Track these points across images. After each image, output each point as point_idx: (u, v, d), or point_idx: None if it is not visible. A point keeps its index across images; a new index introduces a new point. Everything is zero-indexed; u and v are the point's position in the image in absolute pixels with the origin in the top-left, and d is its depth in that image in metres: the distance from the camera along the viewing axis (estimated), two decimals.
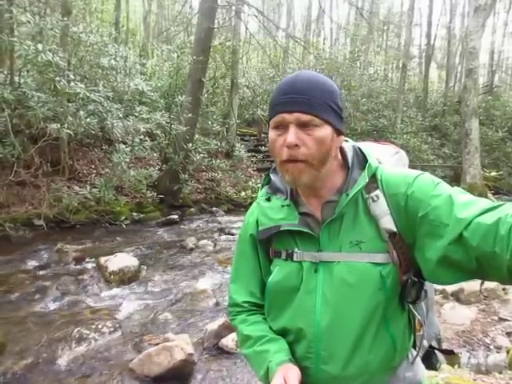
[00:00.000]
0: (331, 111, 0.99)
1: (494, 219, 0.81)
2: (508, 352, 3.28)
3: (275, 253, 1.11)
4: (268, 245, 1.13)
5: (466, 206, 0.88)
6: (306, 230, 1.04)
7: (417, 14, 24.44)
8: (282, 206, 1.10)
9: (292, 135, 0.95)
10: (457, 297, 4.42)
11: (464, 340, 3.65)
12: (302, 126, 0.96)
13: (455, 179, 12.41)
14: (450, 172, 14.74)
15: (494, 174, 11.37)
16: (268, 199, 1.14)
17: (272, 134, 1.01)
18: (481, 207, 0.86)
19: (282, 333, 1.10)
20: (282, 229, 1.06)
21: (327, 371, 1.02)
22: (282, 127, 0.98)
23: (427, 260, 0.93)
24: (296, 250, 1.06)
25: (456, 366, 2.97)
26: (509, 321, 3.93)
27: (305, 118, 0.96)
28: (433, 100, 21.06)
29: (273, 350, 1.05)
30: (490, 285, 4.44)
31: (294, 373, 0.98)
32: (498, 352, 3.45)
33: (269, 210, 1.11)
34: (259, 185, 1.24)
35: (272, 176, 1.18)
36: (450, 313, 4.09)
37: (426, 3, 20.66)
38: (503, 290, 4.56)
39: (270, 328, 1.13)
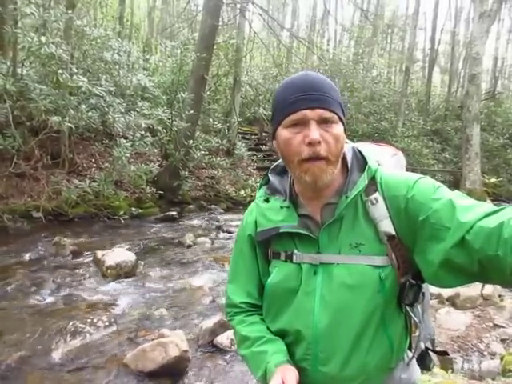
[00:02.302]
0: (341, 110, 1.01)
1: (496, 223, 0.81)
2: (502, 358, 3.29)
3: (274, 254, 1.11)
4: (267, 246, 1.13)
5: (468, 209, 0.88)
6: (305, 232, 1.04)
7: (421, 18, 24.39)
8: (281, 207, 1.09)
9: (315, 131, 0.95)
10: (452, 302, 4.42)
11: (458, 345, 3.66)
12: (321, 122, 0.96)
13: (455, 184, 12.41)
14: (449, 177, 14.74)
15: (493, 180, 11.38)
16: (266, 200, 1.13)
17: (286, 132, 0.99)
18: (483, 211, 0.86)
19: (281, 334, 1.10)
20: (281, 231, 1.06)
21: (325, 372, 1.02)
22: (301, 124, 0.97)
23: (429, 263, 0.93)
24: (295, 251, 1.06)
25: (450, 371, 2.98)
26: (504, 327, 3.94)
27: (327, 114, 0.96)
28: (435, 104, 21.07)
29: (271, 351, 1.05)
30: (485, 291, 4.44)
31: (292, 374, 0.98)
32: (491, 358, 3.46)
33: (268, 212, 1.11)
34: (259, 184, 1.23)
35: (271, 176, 1.17)
36: (445, 318, 4.10)
37: (431, 7, 20.68)
38: (499, 296, 4.57)
39: (268, 329, 1.12)
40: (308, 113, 0.96)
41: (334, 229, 1.03)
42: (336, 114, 0.98)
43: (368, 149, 1.13)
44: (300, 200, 1.09)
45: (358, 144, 1.16)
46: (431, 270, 0.93)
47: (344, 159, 1.08)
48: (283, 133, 1.00)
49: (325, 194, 1.05)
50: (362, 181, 1.02)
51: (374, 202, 1.01)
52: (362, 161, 1.07)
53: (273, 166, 1.19)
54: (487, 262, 0.82)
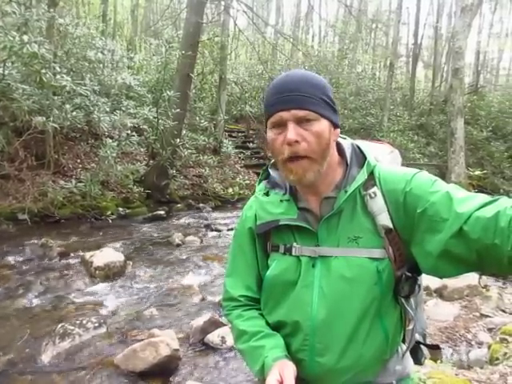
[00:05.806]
0: (326, 105, 1.02)
1: (493, 212, 0.84)
2: (489, 347, 3.35)
3: (273, 247, 1.12)
4: (266, 239, 1.14)
5: (464, 200, 0.91)
6: (304, 225, 1.06)
7: (404, 13, 24.56)
8: (281, 200, 1.11)
9: (292, 132, 0.97)
10: (440, 293, 4.49)
11: (447, 336, 3.71)
12: (300, 121, 0.98)
13: (440, 178, 12.48)
14: (435, 171, 14.84)
15: (478, 172, 11.49)
16: (266, 193, 1.16)
17: (271, 133, 1.03)
18: (479, 202, 0.89)
19: (278, 326, 1.11)
20: (280, 223, 1.08)
21: (322, 363, 1.04)
22: (281, 126, 1.00)
23: (428, 254, 0.95)
24: (295, 244, 1.08)
25: (438, 361, 3.02)
26: (490, 317, 4.01)
27: (301, 113, 0.98)
28: (419, 99, 21.22)
29: (268, 346, 1.06)
30: (471, 282, 4.51)
31: (289, 369, 0.99)
32: (479, 347, 3.52)
33: (268, 205, 1.13)
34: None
35: (270, 171, 1.20)
36: (433, 309, 4.15)
37: (413, 2, 20.76)
38: (485, 287, 4.65)
39: (266, 323, 1.14)
40: (284, 114, 0.99)
41: (332, 222, 1.05)
42: (313, 111, 0.99)
43: (366, 146, 1.15)
44: (300, 194, 1.11)
45: (357, 141, 1.19)
46: (430, 261, 0.95)
47: (343, 155, 1.11)
48: (269, 134, 1.04)
49: (322, 189, 1.07)
50: (362, 175, 1.04)
51: (373, 195, 1.03)
52: (361, 156, 1.10)
53: (273, 161, 1.21)
54: (485, 251, 0.84)
